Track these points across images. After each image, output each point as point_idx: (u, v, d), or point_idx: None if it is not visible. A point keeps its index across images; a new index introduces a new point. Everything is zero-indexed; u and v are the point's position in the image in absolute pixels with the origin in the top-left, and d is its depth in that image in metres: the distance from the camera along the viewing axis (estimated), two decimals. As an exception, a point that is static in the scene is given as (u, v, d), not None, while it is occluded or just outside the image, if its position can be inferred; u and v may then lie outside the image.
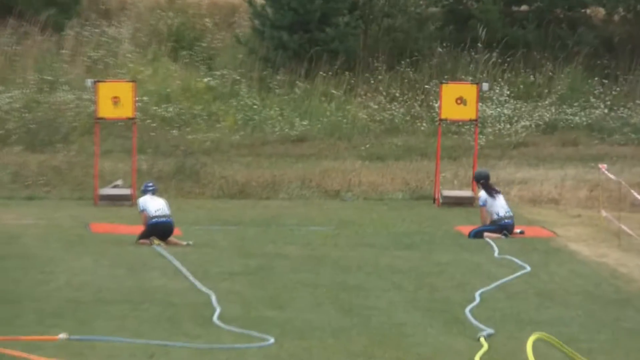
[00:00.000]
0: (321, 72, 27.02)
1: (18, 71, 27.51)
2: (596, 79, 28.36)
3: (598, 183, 19.74)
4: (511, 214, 16.27)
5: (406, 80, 27.83)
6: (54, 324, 8.68)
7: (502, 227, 15.79)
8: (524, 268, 12.90)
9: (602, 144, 25.47)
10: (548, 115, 26.88)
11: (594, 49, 29.18)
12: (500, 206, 16.19)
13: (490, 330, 8.72)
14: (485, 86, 21.93)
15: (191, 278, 11.51)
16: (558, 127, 26.53)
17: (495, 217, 16.05)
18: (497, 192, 16.67)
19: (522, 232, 16.41)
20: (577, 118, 26.91)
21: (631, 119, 26.71)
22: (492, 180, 18.26)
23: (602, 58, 29.50)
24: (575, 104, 27.64)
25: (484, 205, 16.11)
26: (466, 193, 20.09)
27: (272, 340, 8.25)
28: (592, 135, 26.52)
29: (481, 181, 16.82)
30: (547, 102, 27.54)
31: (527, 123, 26.10)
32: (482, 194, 16.39)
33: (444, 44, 29.12)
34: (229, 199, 20.47)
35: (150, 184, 15.87)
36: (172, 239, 14.67)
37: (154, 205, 15.00)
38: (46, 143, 23.94)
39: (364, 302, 10.79)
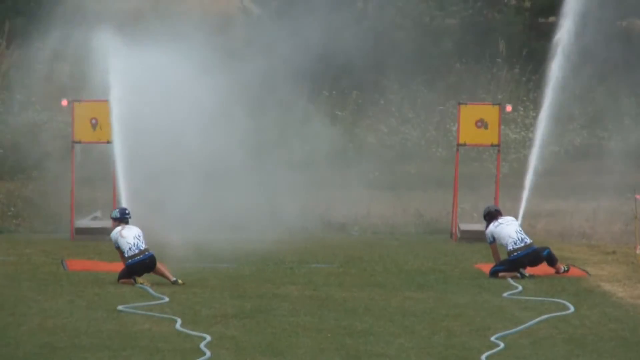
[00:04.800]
0: (324, 92, 27.31)
1: None
2: (632, 98, 28.77)
3: (635, 215, 19.91)
4: (525, 243, 16.14)
5: (420, 100, 28.13)
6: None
7: (516, 264, 15.72)
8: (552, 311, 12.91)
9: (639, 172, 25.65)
10: (579, 140, 27.18)
11: (629, 63, 29.59)
12: (508, 237, 16.10)
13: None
14: (508, 107, 22.18)
15: (179, 322, 11.58)
16: (590, 152, 26.80)
17: (507, 250, 16.08)
18: (500, 218, 16.63)
19: (566, 270, 16.15)
20: (611, 142, 27.16)
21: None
22: (513, 214, 18.73)
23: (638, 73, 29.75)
24: (610, 127, 27.99)
25: (492, 242, 16.18)
26: (487, 227, 20.18)
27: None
28: (628, 162, 26.73)
29: (485, 217, 16.99)
30: (577, 125, 27.86)
31: (556, 148, 26.35)
32: (488, 230, 16.49)
33: (462, 60, 29.44)
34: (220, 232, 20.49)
35: (124, 211, 15.61)
36: (160, 268, 14.66)
37: (127, 241, 14.81)
38: (16, 170, 24.19)
39: (372, 348, 10.87)
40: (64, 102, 21.75)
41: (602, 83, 29.38)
